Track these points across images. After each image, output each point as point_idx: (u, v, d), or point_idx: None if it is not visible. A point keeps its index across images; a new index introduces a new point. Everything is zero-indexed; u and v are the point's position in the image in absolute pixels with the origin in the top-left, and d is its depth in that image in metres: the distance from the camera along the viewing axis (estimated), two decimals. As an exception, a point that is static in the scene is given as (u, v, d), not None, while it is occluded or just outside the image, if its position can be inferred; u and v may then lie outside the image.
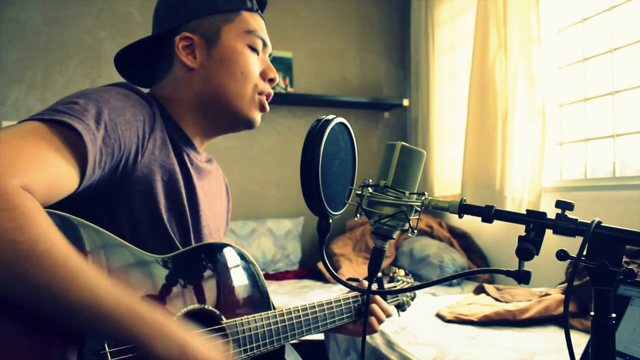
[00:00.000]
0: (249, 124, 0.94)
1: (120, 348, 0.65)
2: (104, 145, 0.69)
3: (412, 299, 1.22)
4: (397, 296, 1.15)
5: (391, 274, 1.18)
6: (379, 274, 1.06)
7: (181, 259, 0.78)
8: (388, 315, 1.07)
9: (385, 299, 1.11)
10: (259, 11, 0.96)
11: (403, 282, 1.18)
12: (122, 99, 0.76)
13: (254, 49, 0.92)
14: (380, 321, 1.05)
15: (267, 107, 0.95)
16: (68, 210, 0.66)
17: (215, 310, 0.80)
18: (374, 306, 1.05)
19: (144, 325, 0.62)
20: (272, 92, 0.96)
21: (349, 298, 1.03)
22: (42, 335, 0.59)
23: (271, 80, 0.95)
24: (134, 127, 0.75)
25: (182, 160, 0.87)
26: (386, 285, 1.15)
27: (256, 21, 0.93)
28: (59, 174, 0.63)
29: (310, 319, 0.94)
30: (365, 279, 1.03)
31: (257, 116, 0.94)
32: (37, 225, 0.56)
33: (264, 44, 0.94)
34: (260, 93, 0.93)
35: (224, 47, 0.89)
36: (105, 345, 0.63)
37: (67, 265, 0.57)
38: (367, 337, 1.60)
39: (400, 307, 1.19)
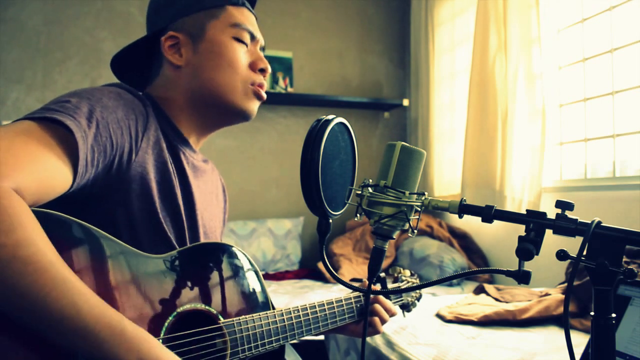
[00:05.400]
0: (243, 115, 0.93)
1: None
2: (95, 143, 0.68)
3: (418, 299, 1.19)
4: (401, 296, 1.13)
5: (396, 274, 1.15)
6: (382, 274, 1.05)
7: (178, 258, 0.78)
8: (392, 315, 1.05)
9: (389, 300, 1.10)
10: (246, 4, 0.95)
11: (408, 282, 1.15)
12: (114, 97, 0.76)
13: (241, 42, 0.91)
14: (383, 321, 1.03)
15: (264, 96, 0.94)
16: (65, 210, 0.66)
17: (213, 310, 0.80)
18: (377, 306, 1.03)
19: (121, 345, 0.58)
20: (264, 82, 0.94)
21: (350, 298, 1.02)
22: (22, 348, 0.57)
23: (262, 71, 0.94)
24: (125, 125, 0.75)
25: (177, 159, 0.87)
26: (390, 286, 1.12)
27: (242, 14, 0.92)
28: (51, 172, 0.62)
29: (311, 319, 0.94)
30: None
31: (252, 106, 0.93)
32: (23, 229, 0.54)
33: (253, 37, 0.93)
34: (252, 84, 0.92)
35: (210, 41, 0.89)
36: None
37: (51, 273, 0.55)
38: (367, 338, 1.60)
39: (406, 307, 1.16)
